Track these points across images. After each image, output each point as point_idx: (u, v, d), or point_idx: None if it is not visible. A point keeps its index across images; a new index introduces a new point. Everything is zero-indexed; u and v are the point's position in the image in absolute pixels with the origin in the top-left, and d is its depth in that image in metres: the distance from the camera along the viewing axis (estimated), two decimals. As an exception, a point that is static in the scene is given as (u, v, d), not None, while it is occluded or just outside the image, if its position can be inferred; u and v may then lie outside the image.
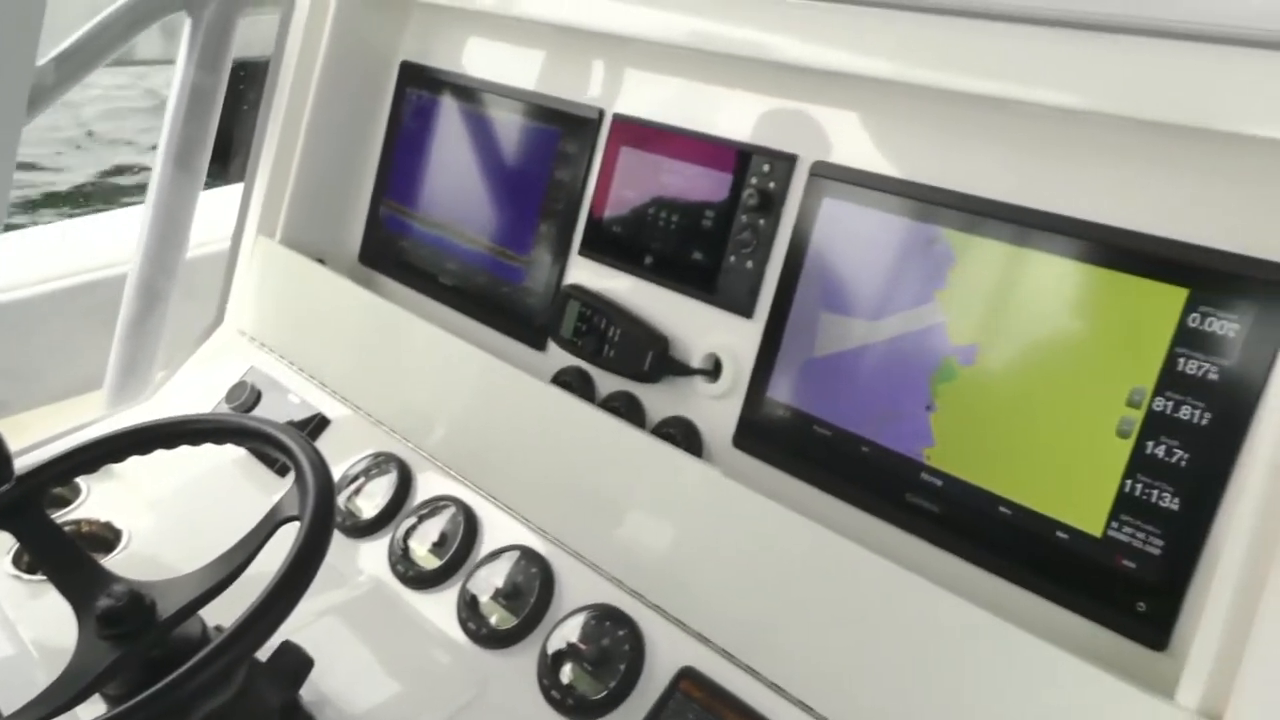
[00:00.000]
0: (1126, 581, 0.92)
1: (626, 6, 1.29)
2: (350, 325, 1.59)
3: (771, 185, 1.21)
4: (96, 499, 1.51)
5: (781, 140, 1.22)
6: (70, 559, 0.99)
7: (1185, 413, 0.89)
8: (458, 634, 1.18)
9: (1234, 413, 0.86)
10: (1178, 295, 0.90)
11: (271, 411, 1.57)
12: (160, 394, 1.73)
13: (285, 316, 1.70)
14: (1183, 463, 0.89)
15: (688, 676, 1.04)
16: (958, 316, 1.04)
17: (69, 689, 0.89)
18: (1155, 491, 0.91)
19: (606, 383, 1.37)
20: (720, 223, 1.27)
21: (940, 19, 1.00)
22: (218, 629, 1.02)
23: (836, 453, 1.13)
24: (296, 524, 0.95)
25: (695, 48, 1.25)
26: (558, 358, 1.43)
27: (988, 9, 0.95)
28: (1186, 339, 0.89)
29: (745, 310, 1.23)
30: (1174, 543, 0.89)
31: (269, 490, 1.48)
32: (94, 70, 1.72)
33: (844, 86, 1.16)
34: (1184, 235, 0.90)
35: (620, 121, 1.39)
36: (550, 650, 1.12)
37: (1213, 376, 0.88)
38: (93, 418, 1.71)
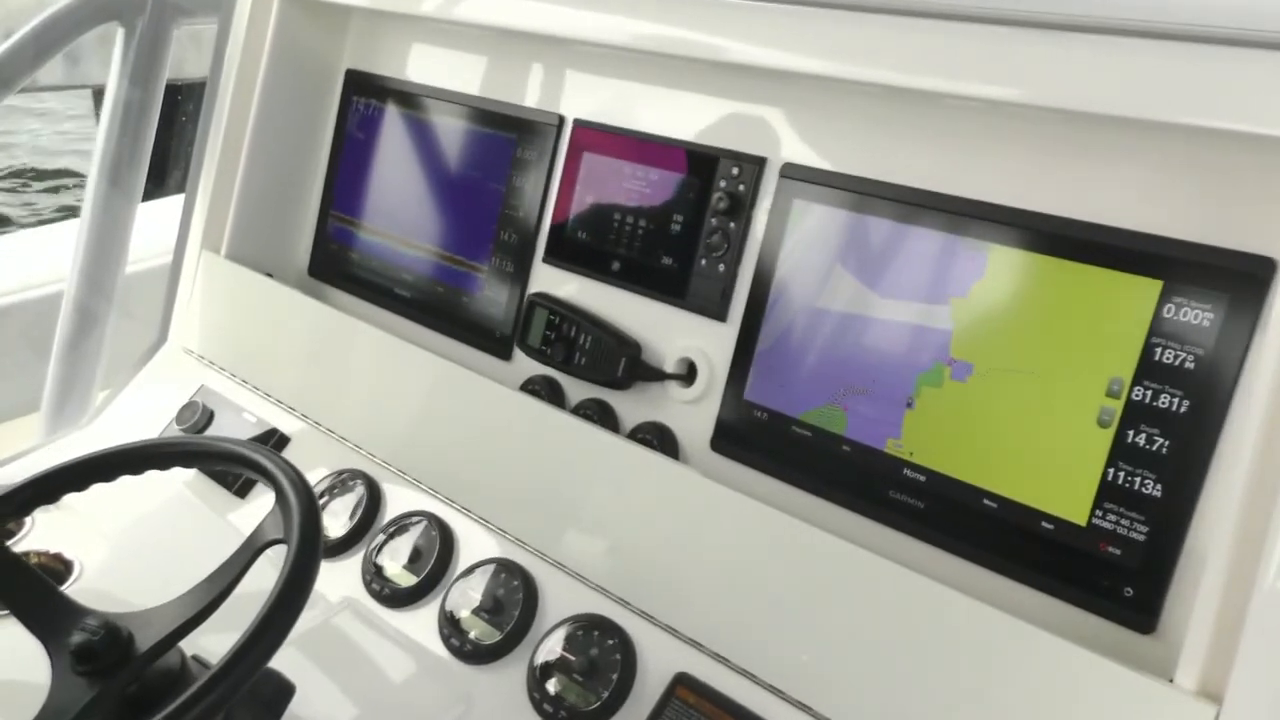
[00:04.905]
0: (1113, 568, 0.94)
1: (573, 11, 1.28)
2: (305, 339, 1.55)
3: (741, 188, 1.22)
4: (42, 530, 1.44)
5: (749, 143, 1.23)
6: (36, 593, 0.94)
7: (1164, 401, 0.92)
8: (440, 651, 1.16)
9: (1212, 399, 0.89)
10: (1153, 287, 0.93)
11: (226, 431, 1.52)
12: (103, 417, 1.67)
13: (234, 333, 1.65)
14: (1163, 450, 0.92)
15: (683, 683, 1.04)
16: (965, 330, 1.04)
17: (46, 729, 0.84)
18: (1138, 479, 0.93)
19: (576, 390, 1.36)
20: (689, 227, 1.27)
21: (907, 20, 1.02)
22: (195, 659, 0.98)
23: (817, 452, 1.14)
24: (279, 548, 0.92)
25: (652, 51, 1.24)
26: (524, 367, 1.41)
27: (963, 10, 0.97)
28: (1162, 329, 0.92)
29: (718, 314, 1.23)
30: (1158, 528, 0.92)
31: (224, 511, 1.44)
32: (23, 82, 1.65)
33: (809, 88, 1.17)
34: (1158, 229, 0.93)
35: (581, 127, 1.38)
36: (538, 663, 1.10)
37: (1189, 365, 0.91)
38: (31, 443, 1.64)
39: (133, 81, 1.75)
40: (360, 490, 1.35)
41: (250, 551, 0.93)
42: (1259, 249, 0.87)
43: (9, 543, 1.38)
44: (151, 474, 1.08)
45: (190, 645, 0.96)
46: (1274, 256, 0.85)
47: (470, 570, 1.22)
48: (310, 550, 0.88)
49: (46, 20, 1.64)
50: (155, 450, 1.02)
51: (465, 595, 1.20)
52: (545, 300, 1.38)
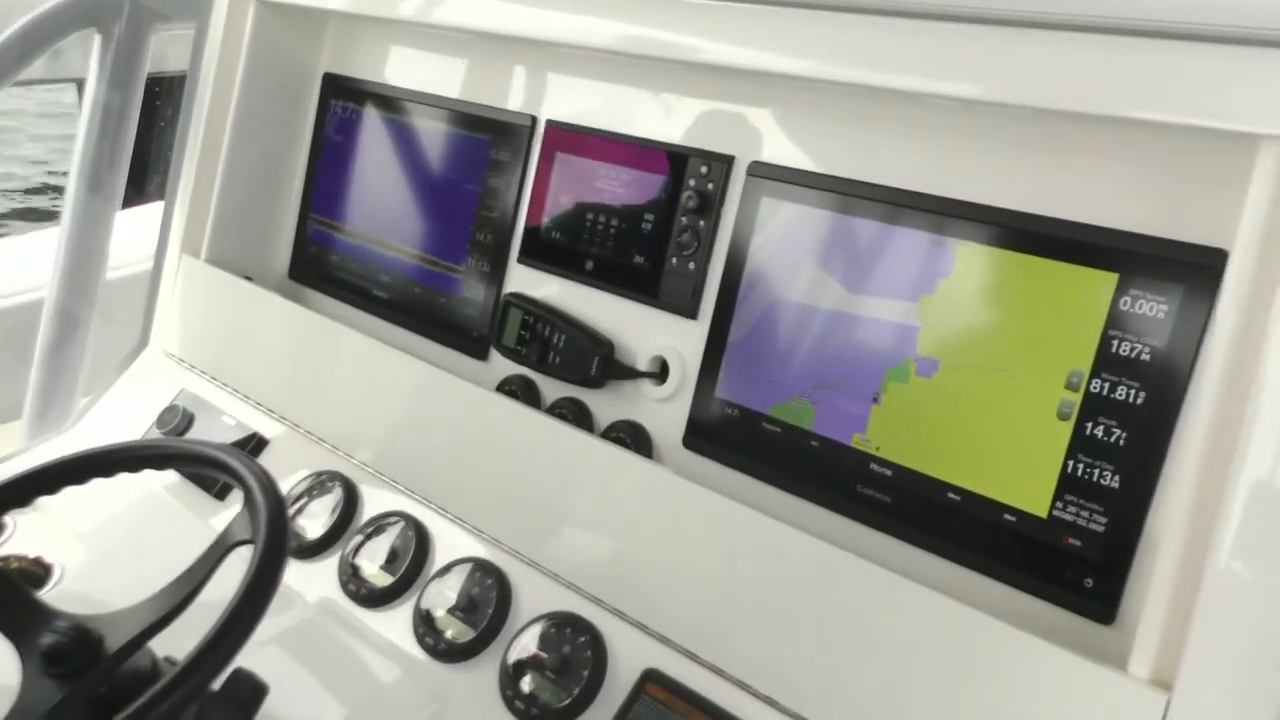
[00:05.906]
0: (1073, 559, 0.95)
1: (548, 13, 1.29)
2: (284, 342, 1.56)
3: (709, 186, 1.23)
4: (22, 534, 1.45)
5: (717, 142, 1.23)
6: (7, 595, 0.95)
7: (1121, 393, 0.93)
8: (415, 650, 1.17)
9: (1167, 390, 0.90)
10: (1109, 280, 0.94)
11: (206, 434, 1.53)
12: (84, 422, 1.67)
13: (215, 337, 1.65)
14: (1121, 441, 0.93)
15: (652, 679, 1.05)
16: (932, 327, 1.05)
17: (14, 731, 0.85)
18: (1096, 470, 0.94)
19: (551, 389, 1.37)
20: (660, 226, 1.27)
21: (865, 18, 1.02)
22: (168, 660, 0.99)
23: (786, 447, 1.15)
24: (247, 547, 0.93)
25: (622, 52, 1.25)
26: (500, 367, 1.42)
27: (916, 8, 0.98)
28: (1119, 322, 0.93)
29: (689, 312, 1.24)
30: (1117, 519, 0.93)
31: (205, 515, 1.44)
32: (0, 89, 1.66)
33: (776, 87, 1.18)
34: (1114, 222, 0.94)
35: (553, 128, 1.39)
36: (511, 661, 1.11)
37: (1145, 357, 0.92)
38: (12, 449, 1.65)
39: (111, 87, 1.76)
40: (338, 492, 1.36)
41: (219, 552, 0.94)
42: (1211, 240, 0.88)
43: (-11, 548, 1.40)
44: (133, 478, 1.09)
45: (166, 647, 0.96)
46: (1225, 248, 0.85)
47: (446, 569, 1.23)
48: (276, 549, 0.89)
49: (22, 28, 1.64)
50: (125, 453, 1.03)
51: (441, 594, 1.20)
52: (520, 300, 1.39)
